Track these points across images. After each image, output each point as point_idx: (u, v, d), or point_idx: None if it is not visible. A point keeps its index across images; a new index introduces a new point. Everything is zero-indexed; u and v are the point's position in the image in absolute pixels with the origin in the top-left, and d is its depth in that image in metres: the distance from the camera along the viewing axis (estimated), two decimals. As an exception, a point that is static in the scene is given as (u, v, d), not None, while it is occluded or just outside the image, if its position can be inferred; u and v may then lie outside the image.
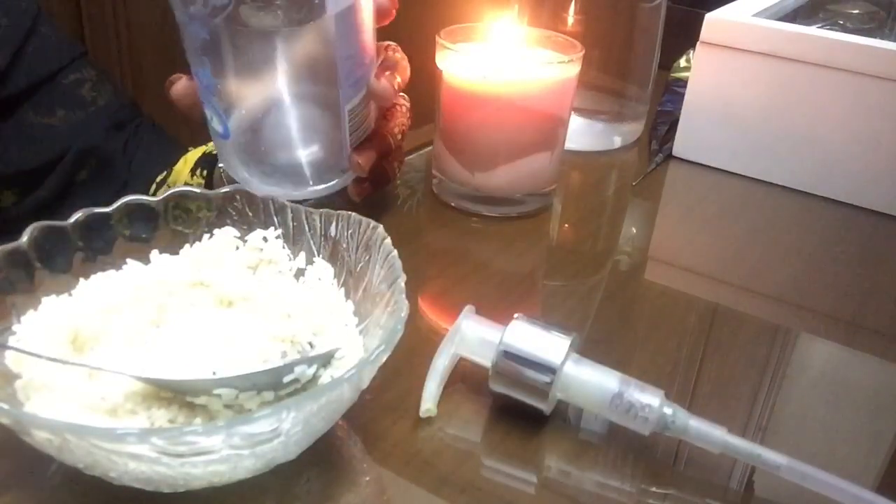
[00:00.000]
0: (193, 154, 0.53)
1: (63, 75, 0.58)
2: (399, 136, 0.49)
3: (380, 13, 0.44)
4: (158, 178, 0.54)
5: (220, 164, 0.48)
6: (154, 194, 0.36)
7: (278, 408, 0.24)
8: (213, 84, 0.40)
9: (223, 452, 0.24)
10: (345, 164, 0.44)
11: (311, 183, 0.42)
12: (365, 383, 0.28)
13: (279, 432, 0.25)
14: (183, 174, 0.52)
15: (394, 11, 0.45)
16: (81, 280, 0.33)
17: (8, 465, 0.30)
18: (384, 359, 0.28)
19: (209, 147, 0.53)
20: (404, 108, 0.48)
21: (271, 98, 0.41)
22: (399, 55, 0.47)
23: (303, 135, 0.42)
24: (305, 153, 0.43)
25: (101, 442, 0.23)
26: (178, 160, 0.53)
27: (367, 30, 0.43)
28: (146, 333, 0.31)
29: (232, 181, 0.44)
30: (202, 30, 0.38)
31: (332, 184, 0.44)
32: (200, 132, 0.47)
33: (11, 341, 0.30)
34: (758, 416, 0.37)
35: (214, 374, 0.28)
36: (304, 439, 0.28)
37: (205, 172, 0.51)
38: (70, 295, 0.32)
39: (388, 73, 0.44)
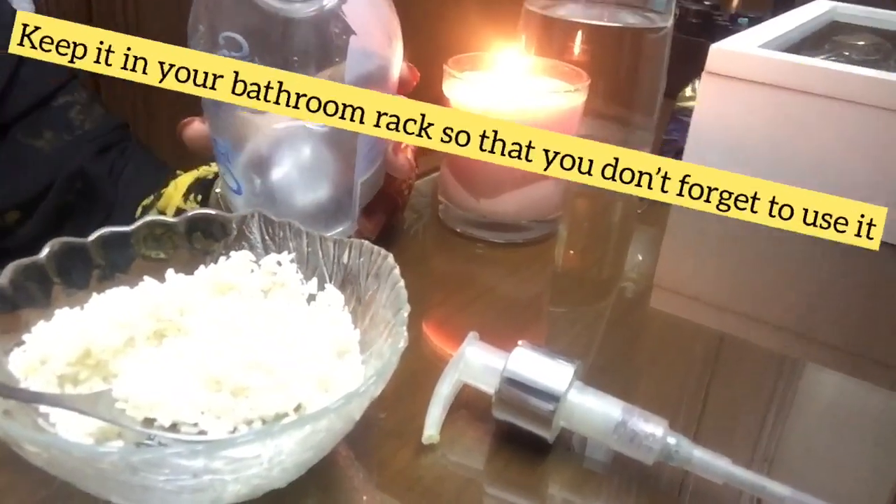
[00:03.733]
0: (185, 179, 0.53)
1: (55, 98, 0.59)
2: (406, 193, 0.49)
3: (401, 84, 0.44)
4: (145, 203, 0.54)
5: (217, 189, 0.49)
6: (139, 219, 0.36)
7: (261, 433, 0.24)
8: (232, 155, 0.41)
9: (205, 477, 0.24)
10: (353, 219, 0.45)
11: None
12: (357, 414, 0.28)
13: (262, 459, 0.25)
14: (175, 199, 0.52)
15: (414, 83, 0.45)
16: (94, 294, 0.34)
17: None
18: (378, 391, 0.28)
19: (201, 172, 0.53)
20: (413, 164, 0.49)
21: (289, 172, 0.42)
22: None
23: (315, 199, 0.43)
24: (315, 211, 0.43)
25: (82, 459, 0.24)
26: (166, 184, 0.54)
27: None
28: (151, 352, 0.31)
29: (228, 206, 0.44)
30: (228, 115, 0.40)
31: (338, 231, 0.44)
32: (194, 159, 0.48)
33: (17, 352, 0.30)
34: (764, 446, 0.37)
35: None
36: (292, 468, 0.27)
37: (199, 197, 0.51)
38: (82, 308, 0.33)
39: (404, 145, 0.45)
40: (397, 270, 0.33)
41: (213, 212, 0.37)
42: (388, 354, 0.28)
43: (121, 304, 0.33)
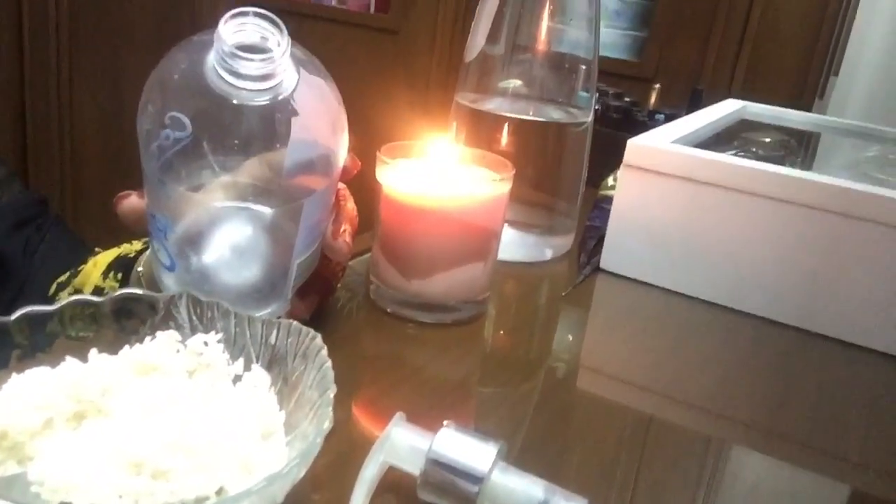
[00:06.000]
0: (105, 256, 0.52)
1: None
2: (340, 275, 0.50)
3: (343, 172, 0.45)
4: (61, 279, 0.53)
5: (139, 268, 0.49)
6: (55, 295, 0.36)
7: None
8: (170, 231, 0.41)
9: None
10: (286, 299, 0.45)
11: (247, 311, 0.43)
12: (280, 497, 0.28)
13: None
14: (93, 276, 0.50)
15: (355, 171, 0.46)
16: (14, 374, 0.33)
17: None
18: (301, 472, 0.28)
19: (123, 250, 0.52)
20: (350, 247, 0.49)
21: (226, 251, 0.42)
22: (350, 204, 0.49)
23: (251, 279, 0.43)
24: (249, 291, 0.43)
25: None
26: (83, 261, 0.53)
27: (332, 200, 0.45)
28: (69, 434, 0.31)
29: (152, 285, 0.44)
30: (172, 192, 0.40)
31: (269, 311, 0.44)
32: (123, 235, 0.48)
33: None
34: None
35: None
36: None
37: (119, 276, 0.50)
38: (0, 389, 0.32)
39: (342, 229, 0.46)
40: (325, 351, 0.34)
41: (140, 291, 0.37)
42: (313, 436, 0.29)
43: (40, 385, 0.32)
